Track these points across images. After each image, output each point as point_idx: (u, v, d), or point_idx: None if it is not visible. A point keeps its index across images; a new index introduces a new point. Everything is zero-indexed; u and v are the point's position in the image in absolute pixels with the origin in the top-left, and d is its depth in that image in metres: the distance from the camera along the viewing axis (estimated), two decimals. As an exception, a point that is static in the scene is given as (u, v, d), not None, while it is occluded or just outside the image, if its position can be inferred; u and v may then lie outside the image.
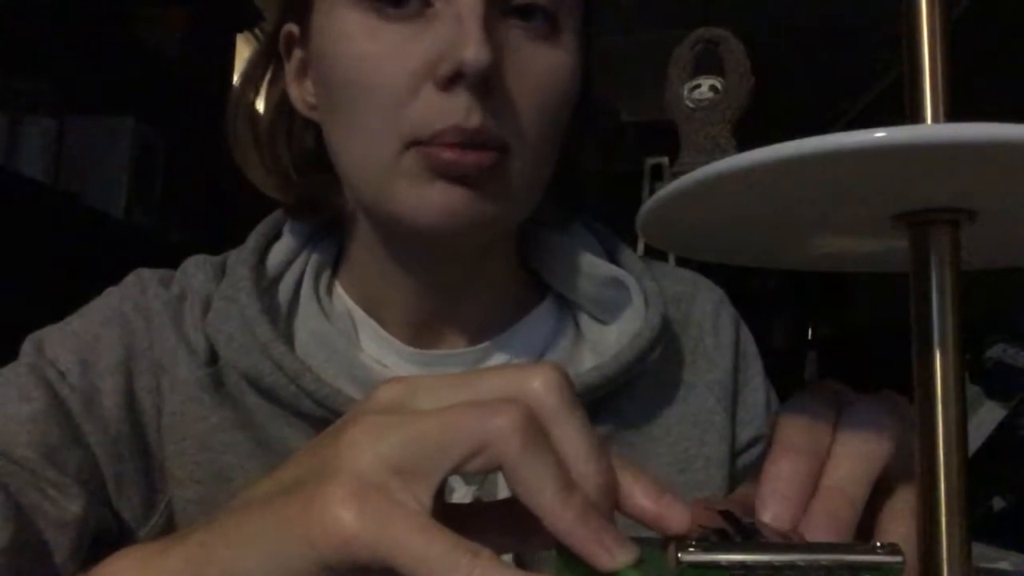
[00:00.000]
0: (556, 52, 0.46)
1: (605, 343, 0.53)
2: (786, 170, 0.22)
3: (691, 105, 1.72)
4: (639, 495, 0.28)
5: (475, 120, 0.43)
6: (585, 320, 0.55)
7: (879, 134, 0.21)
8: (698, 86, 1.74)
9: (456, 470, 0.27)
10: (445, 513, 0.28)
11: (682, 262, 0.58)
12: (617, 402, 0.52)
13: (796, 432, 0.32)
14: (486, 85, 0.43)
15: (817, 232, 0.30)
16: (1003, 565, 0.89)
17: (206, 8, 2.13)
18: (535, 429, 0.27)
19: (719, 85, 1.71)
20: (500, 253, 0.54)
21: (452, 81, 0.43)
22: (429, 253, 0.50)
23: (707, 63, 1.75)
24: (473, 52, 0.41)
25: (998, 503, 1.97)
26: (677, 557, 0.25)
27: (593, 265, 0.54)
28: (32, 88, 1.61)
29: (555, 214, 0.55)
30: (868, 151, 0.21)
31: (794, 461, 0.31)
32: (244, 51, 2.84)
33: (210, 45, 2.21)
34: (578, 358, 0.54)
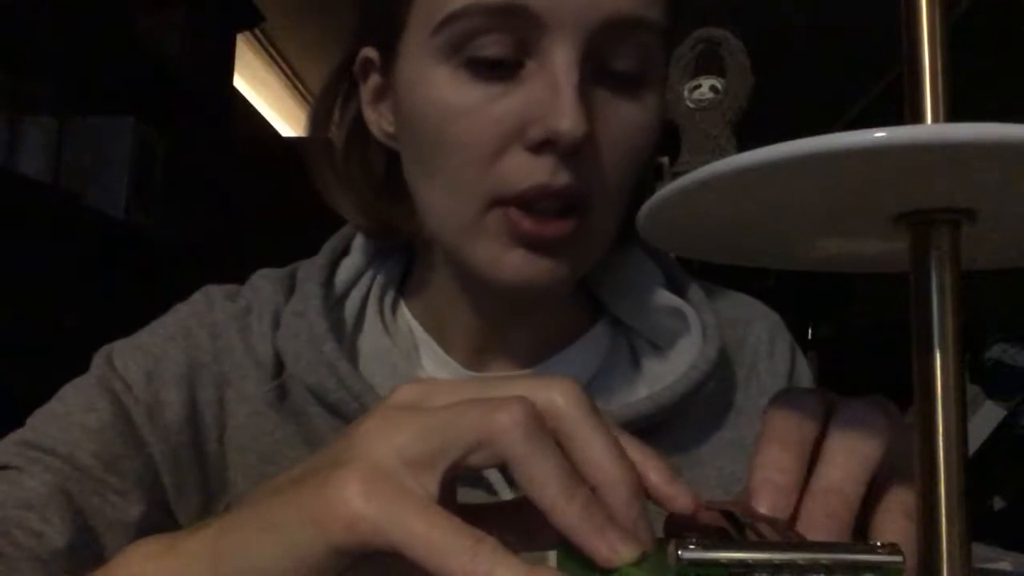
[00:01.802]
0: (641, 111, 0.46)
1: (659, 370, 0.53)
2: (786, 170, 0.22)
3: (691, 105, 1.72)
4: (651, 474, 0.29)
5: (562, 180, 0.43)
6: (640, 344, 0.55)
7: (879, 134, 0.21)
8: (698, 86, 1.73)
9: (462, 463, 0.27)
10: (459, 514, 0.28)
11: (682, 262, 0.58)
12: (667, 425, 0.52)
13: (782, 424, 0.32)
14: (576, 149, 0.43)
15: (817, 232, 0.30)
16: (1003, 565, 0.89)
17: (206, 8, 2.13)
18: (538, 425, 0.27)
19: (719, 85, 1.71)
20: None
21: (542, 145, 0.43)
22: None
23: (707, 63, 1.75)
24: (570, 124, 0.41)
25: (998, 503, 1.97)
26: (677, 554, 0.25)
27: (654, 294, 0.54)
28: (32, 88, 1.61)
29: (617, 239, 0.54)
30: (868, 151, 0.21)
31: (781, 450, 0.31)
32: (244, 51, 2.84)
33: (210, 45, 2.21)
34: (631, 383, 0.54)
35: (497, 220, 0.44)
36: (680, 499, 0.29)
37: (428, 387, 0.30)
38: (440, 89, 0.44)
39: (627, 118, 0.45)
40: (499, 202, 0.44)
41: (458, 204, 0.45)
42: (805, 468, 0.31)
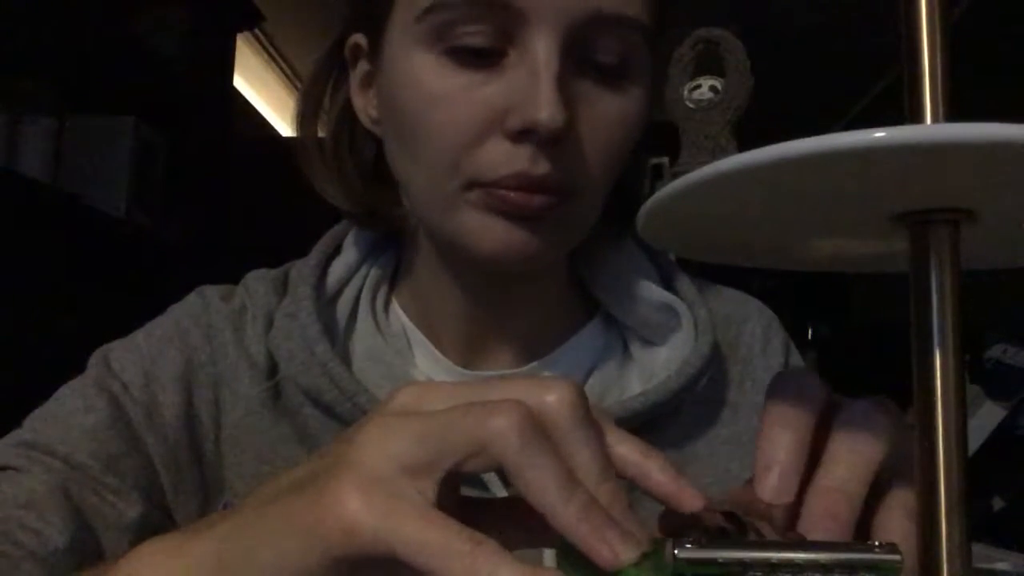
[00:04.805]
0: (624, 101, 0.46)
1: (652, 366, 0.53)
2: (786, 170, 0.22)
3: (691, 105, 1.71)
4: (656, 473, 0.29)
5: (542, 169, 0.43)
6: (633, 340, 0.55)
7: (879, 134, 0.21)
8: (698, 86, 1.73)
9: (459, 468, 0.27)
10: (460, 509, 0.28)
11: (682, 262, 0.58)
12: (662, 422, 0.52)
13: (785, 408, 0.32)
14: (556, 139, 0.43)
15: (817, 232, 0.30)
16: (1003, 565, 0.89)
17: (206, 8, 2.13)
18: (534, 429, 0.27)
19: (719, 85, 1.71)
20: (553, 270, 0.54)
21: (522, 134, 0.43)
22: (486, 272, 0.50)
23: (707, 63, 1.74)
24: (548, 113, 0.42)
25: (998, 503, 1.97)
26: (674, 553, 0.25)
27: (646, 289, 0.54)
28: (32, 88, 1.61)
29: (608, 229, 0.54)
30: (868, 151, 0.21)
31: (785, 433, 0.31)
32: (244, 51, 2.84)
33: (210, 45, 2.21)
34: (624, 380, 0.54)
35: (479, 195, 0.45)
36: (687, 500, 0.29)
37: (424, 390, 0.30)
38: (422, 75, 0.45)
39: (609, 109, 0.46)
40: (478, 185, 0.45)
41: (438, 185, 0.46)
42: (808, 447, 0.31)
